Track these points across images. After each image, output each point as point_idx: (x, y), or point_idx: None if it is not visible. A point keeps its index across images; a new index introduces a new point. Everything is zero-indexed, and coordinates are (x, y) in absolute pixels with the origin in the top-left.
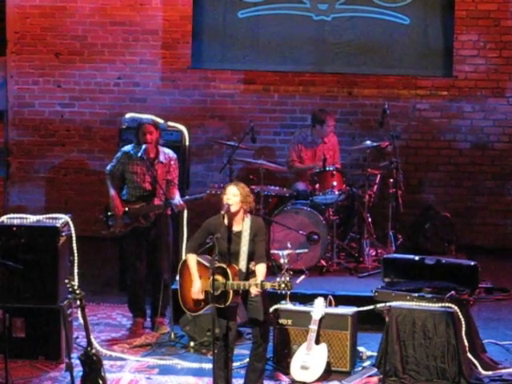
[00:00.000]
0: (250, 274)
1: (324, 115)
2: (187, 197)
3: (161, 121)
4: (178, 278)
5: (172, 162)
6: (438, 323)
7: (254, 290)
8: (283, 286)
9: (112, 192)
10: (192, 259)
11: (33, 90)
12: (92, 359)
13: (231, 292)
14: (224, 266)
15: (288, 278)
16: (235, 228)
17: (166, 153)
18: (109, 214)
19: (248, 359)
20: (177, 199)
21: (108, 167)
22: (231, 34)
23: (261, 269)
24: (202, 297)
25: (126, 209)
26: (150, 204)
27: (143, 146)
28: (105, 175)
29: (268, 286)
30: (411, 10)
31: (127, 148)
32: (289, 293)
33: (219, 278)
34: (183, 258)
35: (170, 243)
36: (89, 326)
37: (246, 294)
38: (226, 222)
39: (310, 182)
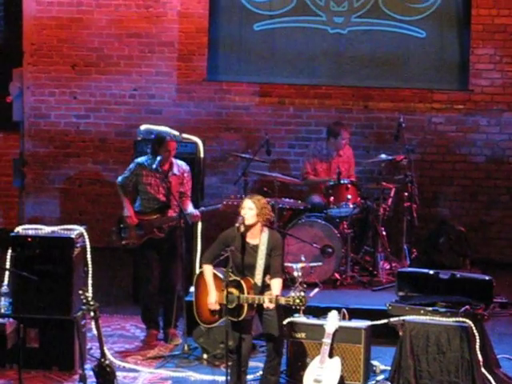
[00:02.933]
0: (265, 287)
1: (339, 128)
2: (203, 208)
3: (176, 133)
4: (193, 289)
5: (185, 175)
6: (452, 338)
7: (268, 304)
8: (298, 301)
9: (125, 203)
10: (208, 270)
11: (49, 102)
12: (105, 370)
13: (246, 305)
14: (238, 278)
15: (303, 294)
16: (252, 241)
17: (180, 165)
18: (122, 225)
19: (261, 372)
20: (190, 210)
21: (119, 178)
22: (247, 46)
23: (276, 283)
24: (218, 307)
25: (140, 220)
26: (165, 216)
27: (158, 158)
28: None
29: (283, 300)
30: (427, 23)
31: (141, 159)
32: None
33: (233, 290)
34: (198, 269)
35: (183, 255)
36: (102, 337)
37: (261, 308)
38: (242, 234)
39: (324, 195)
